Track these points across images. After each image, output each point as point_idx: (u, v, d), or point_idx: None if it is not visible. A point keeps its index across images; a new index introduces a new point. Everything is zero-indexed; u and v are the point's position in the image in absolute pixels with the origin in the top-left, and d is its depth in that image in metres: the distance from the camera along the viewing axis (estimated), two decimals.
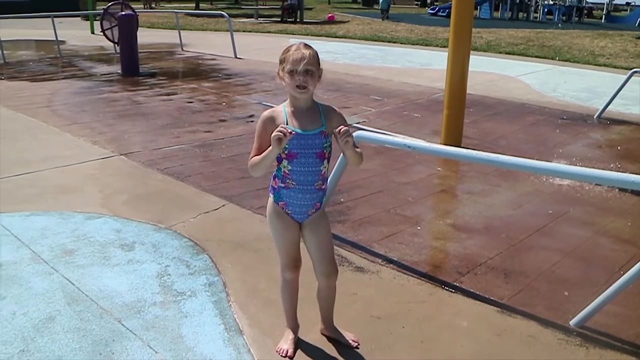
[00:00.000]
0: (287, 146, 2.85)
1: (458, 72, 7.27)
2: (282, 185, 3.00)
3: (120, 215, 4.95)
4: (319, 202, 3.10)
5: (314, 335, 3.36)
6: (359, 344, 3.28)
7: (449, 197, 5.85)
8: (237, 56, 15.36)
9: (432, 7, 42.03)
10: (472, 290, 3.94)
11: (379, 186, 5.86)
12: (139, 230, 4.68)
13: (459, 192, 5.94)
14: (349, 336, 3.32)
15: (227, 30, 17.02)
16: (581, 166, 6.85)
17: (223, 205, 5.22)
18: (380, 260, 4.29)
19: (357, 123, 8.42)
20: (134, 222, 4.83)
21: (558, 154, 7.31)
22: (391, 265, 4.23)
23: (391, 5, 41.29)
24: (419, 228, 4.93)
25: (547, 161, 6.69)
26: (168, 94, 10.33)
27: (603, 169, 6.76)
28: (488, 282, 4.06)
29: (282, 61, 2.95)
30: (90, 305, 3.56)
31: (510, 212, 5.40)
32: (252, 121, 8.42)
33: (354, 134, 4.23)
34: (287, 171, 2.96)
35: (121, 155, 6.61)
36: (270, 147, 2.79)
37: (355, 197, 5.52)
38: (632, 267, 4.30)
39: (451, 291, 3.92)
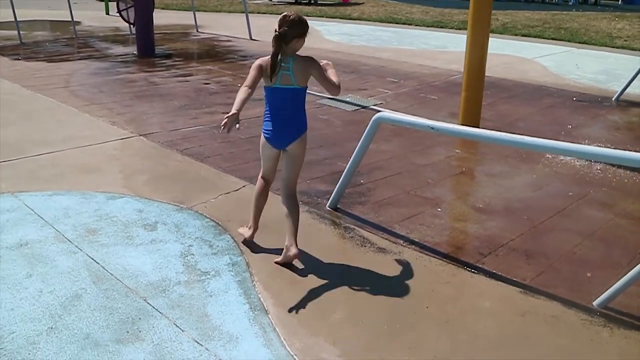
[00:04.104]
0: None
1: (477, 54, 7.21)
2: None
3: (141, 195, 4.98)
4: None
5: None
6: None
7: (468, 179, 5.84)
8: (253, 38, 15.30)
9: None
10: (494, 271, 3.94)
11: (398, 168, 5.85)
12: (160, 210, 4.71)
13: (479, 174, 5.92)
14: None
15: (242, 12, 16.95)
16: (601, 146, 6.84)
17: (243, 186, 5.24)
18: (401, 242, 4.30)
19: (374, 105, 8.38)
20: (155, 202, 4.86)
21: (576, 136, 7.26)
22: (413, 246, 4.24)
23: None
24: (439, 210, 4.92)
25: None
26: (184, 75, 10.33)
27: (621, 150, 6.73)
28: (510, 263, 4.06)
29: (306, 32, 3.87)
30: (116, 284, 3.59)
31: (530, 194, 5.38)
32: None
33: (377, 116, 4.23)
34: None
35: (140, 135, 6.64)
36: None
37: (375, 179, 5.52)
38: None
39: (473, 272, 3.93)
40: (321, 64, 3.97)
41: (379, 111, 8.02)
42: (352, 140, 6.45)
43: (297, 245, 3.83)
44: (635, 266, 3.50)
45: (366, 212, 4.79)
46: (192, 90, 9.14)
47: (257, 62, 3.88)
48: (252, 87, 3.89)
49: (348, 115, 7.88)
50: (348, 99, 8.66)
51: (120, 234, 4.26)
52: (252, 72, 3.89)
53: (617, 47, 15.67)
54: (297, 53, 3.89)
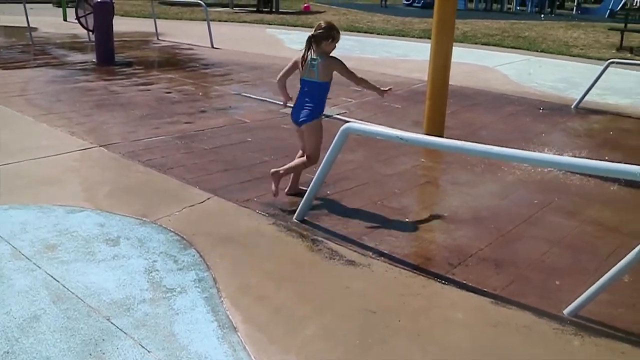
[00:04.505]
0: None
1: (441, 62, 7.23)
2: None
3: (103, 209, 4.83)
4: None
5: None
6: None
7: (434, 188, 5.83)
8: (214, 46, 15.18)
9: None
10: (464, 281, 3.91)
11: (365, 178, 5.81)
12: (123, 224, 4.57)
13: (445, 183, 5.92)
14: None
15: (203, 20, 16.84)
16: (563, 155, 6.92)
17: (208, 199, 5.13)
18: (370, 253, 4.24)
19: (338, 114, 8.35)
20: (117, 215, 4.72)
21: (539, 144, 7.33)
22: (382, 258, 4.19)
23: None
24: (407, 220, 4.89)
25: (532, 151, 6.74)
26: (145, 84, 10.16)
27: (585, 159, 6.82)
28: (480, 273, 4.04)
29: (335, 37, 4.91)
30: (77, 303, 3.45)
31: (497, 202, 5.39)
32: (232, 112, 8.31)
33: (346, 127, 4.18)
34: None
35: (101, 146, 6.47)
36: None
37: (342, 190, 5.46)
38: (620, 254, 4.35)
39: (444, 283, 3.89)
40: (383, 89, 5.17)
41: (343, 120, 8.01)
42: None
43: (280, 172, 4.99)
44: (602, 273, 3.52)
45: (334, 223, 4.72)
46: (154, 100, 8.98)
47: (294, 58, 5.08)
48: (285, 76, 5.20)
49: None
50: None
51: (81, 250, 4.11)
52: (289, 65, 5.13)
53: (574, 56, 15.96)
54: (331, 55, 4.96)
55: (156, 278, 3.78)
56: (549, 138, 7.72)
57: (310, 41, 4.87)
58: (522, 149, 6.95)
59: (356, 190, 5.49)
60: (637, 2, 56.20)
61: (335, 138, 4.27)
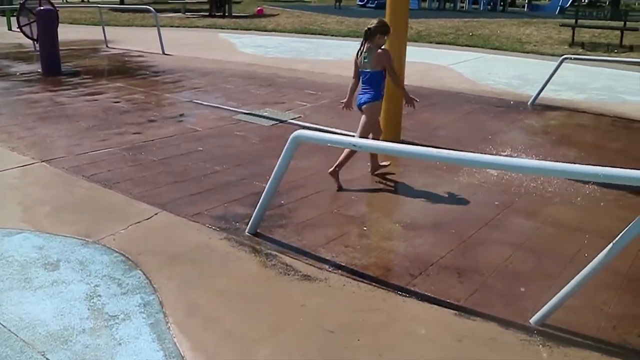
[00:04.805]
0: None
1: (395, 63, 7.06)
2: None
3: (42, 230, 4.52)
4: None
5: None
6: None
7: (392, 193, 5.65)
8: (165, 52, 14.82)
9: None
10: (426, 293, 3.74)
11: (320, 185, 5.60)
12: (64, 246, 4.27)
13: (403, 187, 5.74)
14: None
15: (154, 26, 16.41)
16: (523, 154, 6.84)
17: (156, 214, 4.86)
18: (327, 267, 4.04)
19: (292, 119, 8.14)
20: (58, 237, 4.41)
21: (497, 143, 7.24)
22: (340, 271, 3.98)
23: None
24: (365, 228, 4.70)
25: (489, 151, 6.62)
26: (93, 94, 9.78)
27: (544, 156, 6.76)
28: (442, 283, 3.87)
29: (386, 31, 5.65)
30: (9, 338, 3.16)
31: (456, 206, 5.25)
32: (183, 120, 8.03)
33: (296, 134, 3.98)
34: None
35: (43, 162, 6.13)
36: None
37: (296, 199, 5.24)
38: (583, 256, 4.24)
39: (405, 296, 3.71)
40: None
41: (298, 125, 7.81)
42: (271, 157, 6.17)
43: (336, 170, 5.54)
44: (566, 276, 3.41)
45: (288, 235, 4.51)
46: (101, 110, 8.63)
47: (352, 56, 5.79)
48: (355, 77, 5.83)
49: (266, 131, 7.59)
50: (265, 114, 8.38)
51: (16, 277, 3.81)
52: (353, 66, 5.79)
53: (527, 52, 16.06)
54: (383, 47, 5.66)
55: (98, 304, 3.51)
56: (507, 136, 7.64)
57: (366, 35, 5.59)
58: (481, 149, 6.93)
59: (312, 198, 5.28)
60: None
61: (285, 147, 4.05)
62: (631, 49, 16.52)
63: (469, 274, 4.01)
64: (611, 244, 3.19)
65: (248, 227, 4.50)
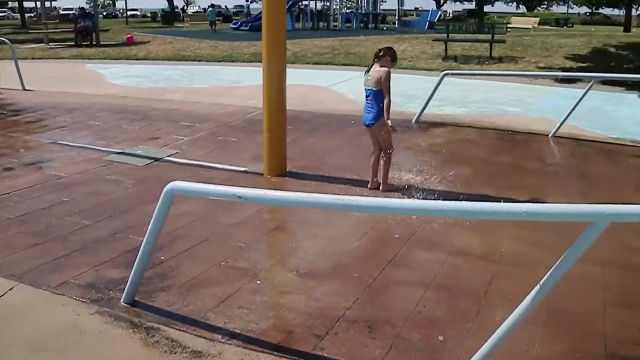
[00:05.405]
0: None
1: (275, 89, 6.62)
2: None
3: None
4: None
5: None
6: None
7: (285, 235, 5.15)
8: (26, 88, 13.59)
9: (234, 21, 41.45)
10: (336, 357, 3.25)
11: (204, 233, 4.99)
12: None
13: (295, 227, 5.25)
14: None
15: (11, 59, 15.11)
16: (417, 177, 6.56)
17: (11, 289, 4.05)
18: (220, 337, 3.45)
19: (169, 156, 7.47)
20: None
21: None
22: (234, 340, 3.41)
23: (189, 23, 40.46)
24: (258, 282, 4.15)
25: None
26: None
27: (438, 178, 6.52)
28: (353, 342, 3.40)
29: (392, 56, 6.02)
30: None
31: (355, 244, 4.83)
32: (45, 166, 7.15)
33: (170, 187, 3.39)
34: None
35: None
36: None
37: (178, 252, 4.61)
38: (495, 289, 3.94)
39: None
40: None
41: (175, 162, 7.17)
42: (147, 204, 5.54)
43: (382, 183, 6.16)
44: (483, 315, 3.30)
45: (172, 300, 3.88)
46: None
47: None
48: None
49: (140, 172, 6.87)
50: (139, 152, 7.66)
51: None
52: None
53: (404, 68, 16.14)
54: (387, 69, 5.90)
55: None
56: (397, 159, 7.31)
57: (378, 54, 5.97)
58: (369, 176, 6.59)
59: (195, 250, 4.67)
60: (449, 13, 60.05)
61: (159, 201, 3.45)
62: (500, 60, 17.05)
63: (381, 326, 3.57)
64: (538, 286, 2.85)
65: (124, 296, 3.83)
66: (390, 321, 3.62)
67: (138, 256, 3.72)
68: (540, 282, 2.85)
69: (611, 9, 63.19)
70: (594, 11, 68.67)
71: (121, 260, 4.44)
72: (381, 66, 5.89)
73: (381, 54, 5.94)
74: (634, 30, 36.09)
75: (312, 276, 4.22)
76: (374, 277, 4.19)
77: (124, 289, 3.87)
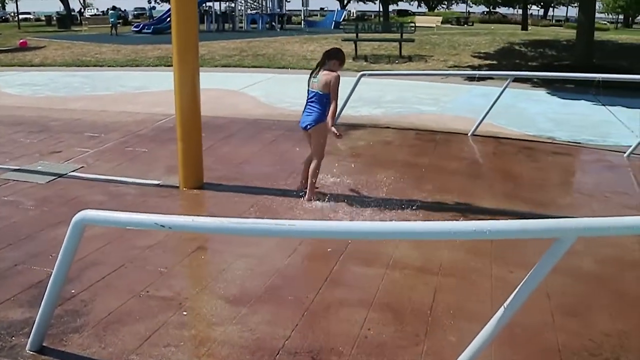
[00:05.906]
0: None
1: (188, 95, 6.17)
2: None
3: None
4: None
5: None
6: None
7: (209, 256, 4.73)
8: None
9: (135, 24, 40.08)
10: None
11: (119, 258, 4.49)
12: None
13: (219, 246, 4.82)
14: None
15: None
16: (340, 183, 6.29)
17: None
18: None
19: (73, 171, 6.86)
20: None
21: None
22: None
23: (88, 26, 38.91)
24: (185, 314, 3.72)
25: (301, 186, 5.93)
26: None
27: (363, 184, 6.28)
28: None
29: (341, 59, 5.73)
30: None
31: (286, 261, 4.48)
32: None
33: (79, 217, 2.93)
34: None
35: None
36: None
37: (91, 283, 4.10)
38: (440, 302, 3.73)
39: None
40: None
41: (80, 178, 6.57)
42: (51, 227, 5.02)
43: (308, 192, 5.81)
44: (432, 336, 3.17)
45: (87, 343, 3.38)
46: None
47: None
48: None
49: (42, 190, 6.22)
50: (39, 168, 6.99)
51: None
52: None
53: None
54: (336, 72, 5.63)
55: None
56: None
57: (325, 57, 5.68)
58: (291, 184, 6.25)
59: (110, 279, 4.17)
60: (354, 13, 60.79)
61: (67, 234, 2.97)
62: (410, 59, 17.15)
63: (327, 356, 3.24)
64: (502, 308, 2.62)
65: (29, 342, 3.30)
66: (335, 349, 3.30)
67: (45, 295, 3.21)
68: (505, 305, 2.62)
69: (507, 8, 65.78)
70: (492, 10, 71.29)
71: (24, 297, 3.89)
72: (329, 70, 5.60)
73: (329, 56, 5.66)
74: (530, 28, 37.55)
75: (243, 302, 3.84)
76: (311, 299, 3.86)
77: (29, 334, 3.35)
